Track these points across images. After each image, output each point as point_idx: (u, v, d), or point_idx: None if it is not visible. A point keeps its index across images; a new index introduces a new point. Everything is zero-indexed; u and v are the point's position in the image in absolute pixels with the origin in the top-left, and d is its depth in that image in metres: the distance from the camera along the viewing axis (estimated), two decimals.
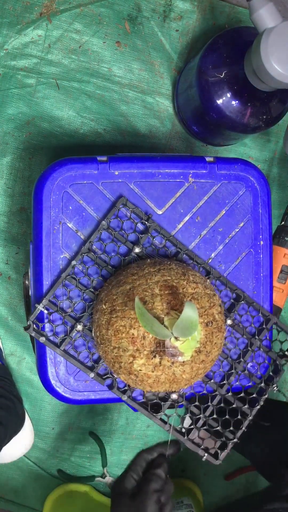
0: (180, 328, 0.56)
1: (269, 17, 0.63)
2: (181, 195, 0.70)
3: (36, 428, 0.98)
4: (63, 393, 0.68)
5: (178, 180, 0.70)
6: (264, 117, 0.76)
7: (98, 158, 0.68)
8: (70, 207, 0.67)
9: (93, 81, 0.94)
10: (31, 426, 0.96)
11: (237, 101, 0.74)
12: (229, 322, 0.69)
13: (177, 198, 0.70)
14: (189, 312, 0.55)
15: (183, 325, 0.55)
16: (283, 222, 0.90)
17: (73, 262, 0.66)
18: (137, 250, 0.67)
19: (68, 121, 0.94)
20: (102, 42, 0.94)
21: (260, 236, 0.72)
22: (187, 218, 0.70)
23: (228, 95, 0.74)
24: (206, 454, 0.69)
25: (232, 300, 0.71)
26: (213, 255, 0.71)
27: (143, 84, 0.95)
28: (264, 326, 0.72)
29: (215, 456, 0.70)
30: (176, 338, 0.56)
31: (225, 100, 0.75)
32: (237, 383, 0.71)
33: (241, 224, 0.72)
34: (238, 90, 0.73)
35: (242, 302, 0.70)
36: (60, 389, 0.68)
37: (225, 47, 0.75)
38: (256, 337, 0.71)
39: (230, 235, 0.71)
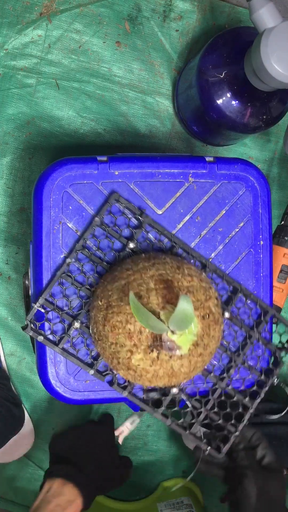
0: (176, 322, 0.56)
1: (269, 17, 0.63)
2: (181, 195, 0.70)
3: (36, 428, 0.98)
4: (63, 393, 0.68)
5: (178, 180, 0.70)
6: (264, 117, 0.76)
7: (98, 158, 0.68)
8: (70, 207, 0.67)
9: (93, 81, 0.94)
10: (31, 426, 0.96)
11: (237, 101, 0.74)
12: (226, 315, 0.69)
13: (177, 198, 0.70)
14: (184, 305, 0.55)
15: (179, 318, 0.56)
16: (283, 222, 0.90)
17: (68, 260, 0.66)
18: (131, 245, 0.67)
19: (68, 121, 0.94)
20: (102, 42, 0.94)
21: (260, 236, 0.72)
22: (187, 218, 0.70)
23: (228, 95, 0.74)
24: (209, 448, 0.70)
25: (229, 293, 0.71)
26: (213, 255, 0.71)
27: (143, 84, 0.95)
28: (262, 318, 0.72)
29: (218, 449, 0.71)
30: (172, 332, 0.57)
31: (225, 100, 0.75)
32: (237, 375, 0.71)
33: (241, 224, 0.72)
34: (238, 90, 0.73)
35: (240, 294, 0.70)
36: (60, 389, 0.68)
37: (225, 47, 0.75)
38: (255, 329, 0.71)
39: (230, 235, 0.71)
